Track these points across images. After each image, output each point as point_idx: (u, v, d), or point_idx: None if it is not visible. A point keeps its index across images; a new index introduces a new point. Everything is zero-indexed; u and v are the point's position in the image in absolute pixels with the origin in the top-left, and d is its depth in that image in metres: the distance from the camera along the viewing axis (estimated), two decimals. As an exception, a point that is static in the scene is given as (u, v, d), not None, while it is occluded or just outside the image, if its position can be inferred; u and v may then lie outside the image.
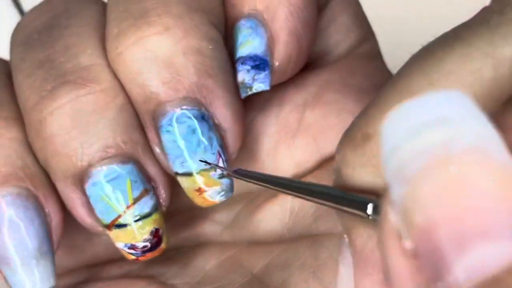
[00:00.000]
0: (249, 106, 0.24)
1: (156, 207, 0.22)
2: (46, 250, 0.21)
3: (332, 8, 0.25)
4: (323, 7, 0.25)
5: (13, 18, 0.34)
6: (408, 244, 0.13)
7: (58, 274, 0.24)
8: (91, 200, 0.21)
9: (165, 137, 0.21)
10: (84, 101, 0.21)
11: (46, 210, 0.22)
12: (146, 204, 0.21)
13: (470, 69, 0.14)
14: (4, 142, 0.22)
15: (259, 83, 0.22)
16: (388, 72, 0.25)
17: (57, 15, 0.23)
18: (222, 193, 0.22)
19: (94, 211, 0.21)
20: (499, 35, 0.14)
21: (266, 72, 0.22)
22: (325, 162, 0.23)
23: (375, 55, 0.25)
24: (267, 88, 0.22)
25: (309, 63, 0.25)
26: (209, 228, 0.25)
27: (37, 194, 0.21)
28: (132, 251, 0.22)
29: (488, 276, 0.12)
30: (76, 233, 0.25)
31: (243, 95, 0.22)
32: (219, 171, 0.21)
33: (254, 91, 0.22)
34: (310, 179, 0.23)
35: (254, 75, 0.22)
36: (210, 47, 0.21)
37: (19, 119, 0.22)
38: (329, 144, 0.23)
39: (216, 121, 0.21)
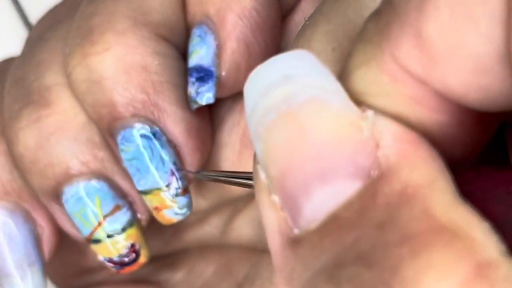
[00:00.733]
0: (212, 116, 0.24)
1: (132, 222, 0.22)
2: (33, 261, 0.22)
3: (303, 11, 0.24)
4: (291, 11, 0.23)
5: (13, 18, 0.35)
6: (274, 197, 0.14)
7: (68, 275, 0.25)
8: (69, 215, 0.22)
9: (122, 155, 0.21)
10: (45, 122, 0.21)
11: (37, 221, 0.22)
12: (119, 220, 0.22)
13: None
14: None
15: (204, 96, 0.21)
16: None
17: (48, 26, 0.23)
18: (178, 211, 0.22)
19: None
20: None
21: (210, 84, 0.21)
22: None
23: None
24: (211, 101, 0.21)
25: None
26: (207, 232, 0.25)
27: (26, 206, 0.22)
28: (111, 264, 0.22)
29: (328, 213, 0.13)
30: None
31: (193, 108, 0.21)
32: (173, 190, 0.21)
33: (200, 104, 0.21)
34: None
35: (198, 88, 0.21)
36: (156, 62, 0.21)
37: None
38: None
39: (168, 137, 0.21)
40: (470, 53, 0.12)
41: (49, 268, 0.25)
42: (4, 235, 0.22)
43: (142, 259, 0.22)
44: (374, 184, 0.12)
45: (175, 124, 0.21)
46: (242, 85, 0.22)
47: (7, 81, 0.23)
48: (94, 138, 0.22)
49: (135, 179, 0.21)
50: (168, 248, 0.25)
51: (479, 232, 0.12)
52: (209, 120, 0.23)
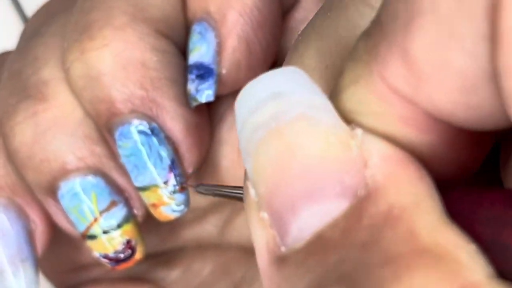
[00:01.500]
0: (212, 113, 0.24)
1: (128, 218, 0.22)
2: (26, 257, 0.22)
3: (304, 8, 0.24)
4: (291, 8, 0.23)
5: (13, 18, 0.35)
6: (263, 214, 0.14)
7: (65, 271, 0.25)
8: (65, 211, 0.22)
9: (119, 151, 0.21)
10: (42, 117, 0.21)
11: (30, 217, 0.22)
12: (114, 216, 0.22)
13: None
14: None
15: (204, 94, 0.21)
16: None
17: (44, 21, 0.23)
18: (176, 208, 0.22)
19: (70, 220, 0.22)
20: None
21: (210, 82, 0.21)
22: None
23: None
24: (211, 99, 0.21)
25: (280, 65, 0.25)
26: (205, 230, 0.25)
27: (19, 202, 0.22)
28: (106, 260, 0.22)
29: (314, 232, 0.12)
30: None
31: (192, 106, 0.21)
32: (170, 187, 0.21)
33: (200, 101, 0.21)
34: None
35: (198, 85, 0.21)
36: (155, 58, 0.21)
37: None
38: None
39: (167, 134, 0.21)
40: (456, 71, 0.12)
41: (43, 265, 0.25)
42: None
43: (138, 255, 0.22)
44: (360, 204, 0.12)
45: (174, 120, 0.21)
46: (242, 82, 0.22)
47: (3, 75, 0.23)
48: (91, 134, 0.21)
49: (132, 176, 0.21)
50: (164, 245, 0.25)
51: (465, 254, 0.11)
52: (207, 117, 0.23)
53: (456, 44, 0.11)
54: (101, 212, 0.22)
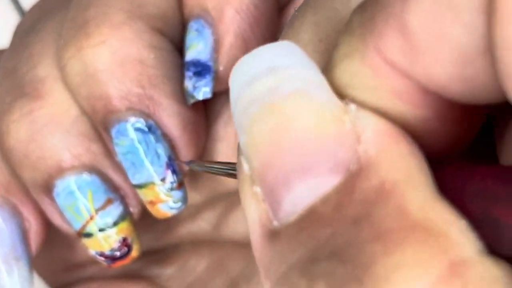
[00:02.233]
0: (208, 110, 0.24)
1: (124, 216, 0.22)
2: (20, 255, 0.22)
3: (299, 4, 0.24)
4: (288, 4, 0.23)
5: (13, 18, 0.35)
6: (256, 188, 0.14)
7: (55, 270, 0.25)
8: (60, 209, 0.22)
9: (116, 149, 0.21)
10: (38, 115, 0.21)
11: (25, 216, 0.22)
12: (110, 214, 0.22)
13: None
14: None
15: (201, 91, 0.21)
16: None
17: (39, 17, 0.23)
18: (173, 205, 0.22)
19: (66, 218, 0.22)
20: None
21: (207, 79, 0.21)
22: None
23: None
24: (208, 96, 0.21)
25: None
26: (200, 227, 0.25)
27: (13, 200, 0.22)
28: (102, 258, 0.22)
29: (306, 207, 0.13)
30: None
31: (189, 103, 0.21)
32: (168, 184, 0.21)
33: (197, 99, 0.21)
34: None
35: (195, 83, 0.21)
36: (152, 56, 0.21)
37: None
38: None
39: (163, 131, 0.21)
40: (452, 44, 0.12)
41: (38, 264, 0.25)
42: None
43: (134, 253, 0.22)
44: (353, 179, 0.12)
45: (171, 117, 0.21)
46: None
47: None
48: (87, 131, 0.21)
49: (129, 173, 0.21)
50: (160, 243, 0.25)
51: (455, 230, 0.12)
52: (204, 114, 0.23)
53: (453, 16, 0.11)
54: (97, 210, 0.21)
